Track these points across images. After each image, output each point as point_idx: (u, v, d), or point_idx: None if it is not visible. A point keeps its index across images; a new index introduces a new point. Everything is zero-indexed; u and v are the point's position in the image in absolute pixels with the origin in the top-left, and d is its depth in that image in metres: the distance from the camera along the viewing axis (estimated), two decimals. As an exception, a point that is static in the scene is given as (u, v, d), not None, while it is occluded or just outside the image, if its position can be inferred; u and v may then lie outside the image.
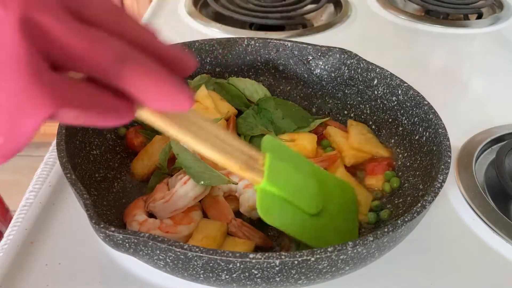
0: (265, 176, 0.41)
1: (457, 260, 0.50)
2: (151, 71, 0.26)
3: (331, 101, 0.63)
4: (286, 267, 0.36)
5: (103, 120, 0.27)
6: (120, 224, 0.48)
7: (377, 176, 0.55)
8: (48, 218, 0.51)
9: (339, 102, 0.63)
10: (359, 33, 0.93)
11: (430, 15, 1.02)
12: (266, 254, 0.36)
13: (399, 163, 0.56)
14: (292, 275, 0.37)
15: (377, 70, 0.58)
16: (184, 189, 0.48)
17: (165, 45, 0.29)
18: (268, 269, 0.36)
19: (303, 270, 0.37)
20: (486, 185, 0.60)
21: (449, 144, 0.48)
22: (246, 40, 0.63)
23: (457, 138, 0.64)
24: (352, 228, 0.49)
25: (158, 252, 0.37)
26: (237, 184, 0.50)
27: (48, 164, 0.59)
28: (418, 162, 0.53)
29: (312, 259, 0.36)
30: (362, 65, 0.59)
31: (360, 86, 0.60)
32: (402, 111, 0.56)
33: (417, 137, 0.54)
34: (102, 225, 0.37)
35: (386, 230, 0.38)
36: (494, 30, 0.97)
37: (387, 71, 0.58)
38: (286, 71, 0.65)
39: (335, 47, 0.61)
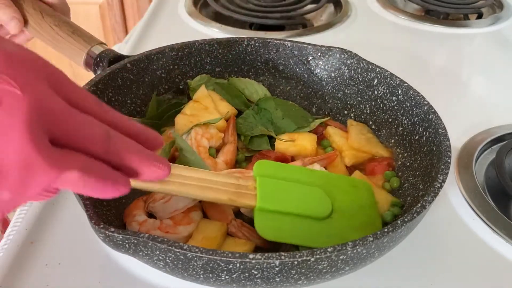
0: (258, 199, 0.44)
1: (457, 260, 0.50)
2: (133, 146, 0.32)
3: (331, 101, 0.63)
4: (286, 268, 0.36)
5: (103, 188, 0.30)
6: (120, 225, 0.48)
7: (377, 176, 0.55)
8: (48, 218, 0.51)
9: (339, 102, 0.63)
10: (359, 33, 0.93)
11: (430, 15, 1.02)
12: (266, 254, 0.36)
13: (399, 163, 0.56)
14: (292, 275, 0.37)
15: (377, 70, 0.58)
16: (184, 189, 0.48)
17: (140, 126, 0.34)
18: (268, 270, 0.36)
19: (303, 271, 0.37)
20: (486, 185, 0.60)
21: (449, 144, 0.48)
22: (246, 40, 0.63)
23: (457, 138, 0.64)
24: (372, 221, 0.49)
25: (157, 252, 0.37)
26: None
27: (48, 164, 0.59)
28: (418, 162, 0.53)
29: (312, 259, 0.36)
30: (362, 65, 0.59)
31: (360, 86, 0.60)
32: (402, 111, 0.56)
33: (417, 137, 0.54)
34: (101, 226, 0.37)
35: (386, 230, 0.38)
36: (494, 30, 0.97)
37: (387, 71, 0.58)
38: (286, 71, 0.65)
39: (335, 47, 0.61)
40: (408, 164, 0.54)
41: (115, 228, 0.37)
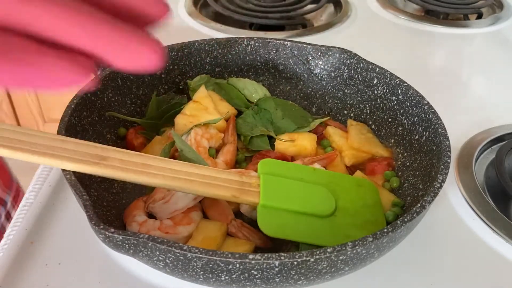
0: (261, 196, 0.45)
1: (457, 260, 0.50)
2: (102, 21, 0.23)
3: (331, 100, 0.63)
4: (285, 268, 0.36)
5: (50, 77, 0.23)
6: (120, 225, 0.48)
7: (377, 176, 0.55)
8: (48, 218, 0.52)
9: (339, 101, 0.63)
10: (359, 33, 0.93)
11: (430, 15, 1.02)
12: (266, 255, 0.36)
13: (399, 163, 0.56)
14: (291, 275, 0.37)
15: (377, 70, 0.58)
16: (184, 190, 0.48)
17: None
18: (268, 270, 0.36)
19: (303, 271, 0.37)
20: (486, 185, 0.60)
21: (449, 144, 0.48)
22: (245, 40, 0.63)
23: (457, 138, 0.64)
24: (376, 220, 0.49)
25: (157, 253, 0.37)
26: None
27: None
28: (418, 162, 0.53)
29: (312, 259, 0.36)
30: (361, 64, 0.59)
31: (360, 86, 0.60)
32: (402, 111, 0.56)
33: (417, 137, 0.54)
34: (101, 226, 0.37)
35: (385, 230, 0.38)
36: (494, 30, 0.97)
37: (387, 70, 0.58)
38: (286, 71, 0.65)
39: (335, 47, 0.61)
40: (408, 164, 0.54)
41: (115, 229, 0.37)
